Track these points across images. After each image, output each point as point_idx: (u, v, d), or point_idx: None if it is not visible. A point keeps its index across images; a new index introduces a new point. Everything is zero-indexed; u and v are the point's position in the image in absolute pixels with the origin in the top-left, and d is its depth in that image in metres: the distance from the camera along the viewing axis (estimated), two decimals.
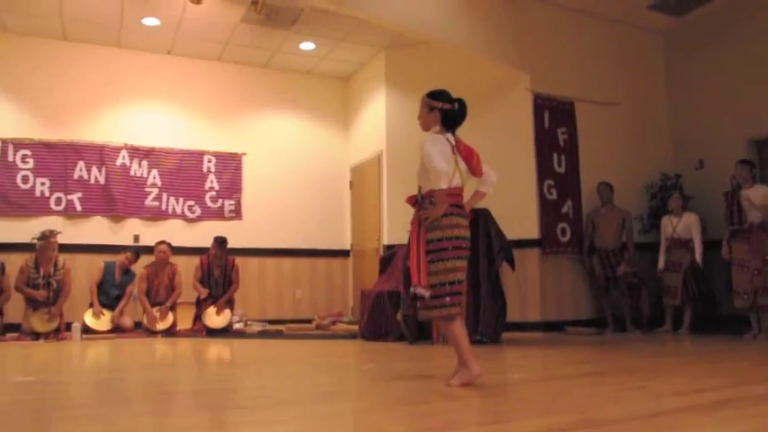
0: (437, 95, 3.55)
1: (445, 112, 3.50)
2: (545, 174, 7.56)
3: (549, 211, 7.50)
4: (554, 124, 7.69)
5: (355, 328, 7.49)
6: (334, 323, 8.44)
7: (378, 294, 6.57)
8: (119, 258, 7.59)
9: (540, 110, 7.63)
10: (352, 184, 9.54)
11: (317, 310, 9.10)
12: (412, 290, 3.36)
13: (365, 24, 7.71)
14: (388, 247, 7.97)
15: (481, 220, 6.06)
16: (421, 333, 6.11)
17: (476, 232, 6.06)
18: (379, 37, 8.36)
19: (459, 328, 3.38)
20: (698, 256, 6.91)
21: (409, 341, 6.06)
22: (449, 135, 3.50)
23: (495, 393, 3.21)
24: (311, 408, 2.86)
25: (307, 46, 8.74)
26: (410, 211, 3.56)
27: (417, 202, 3.51)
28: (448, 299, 3.34)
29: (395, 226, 8.07)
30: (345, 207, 9.61)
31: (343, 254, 9.50)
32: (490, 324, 5.90)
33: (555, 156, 7.65)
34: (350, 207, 9.55)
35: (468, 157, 3.50)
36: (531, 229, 7.39)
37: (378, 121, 8.78)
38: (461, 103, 3.54)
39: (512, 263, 6.20)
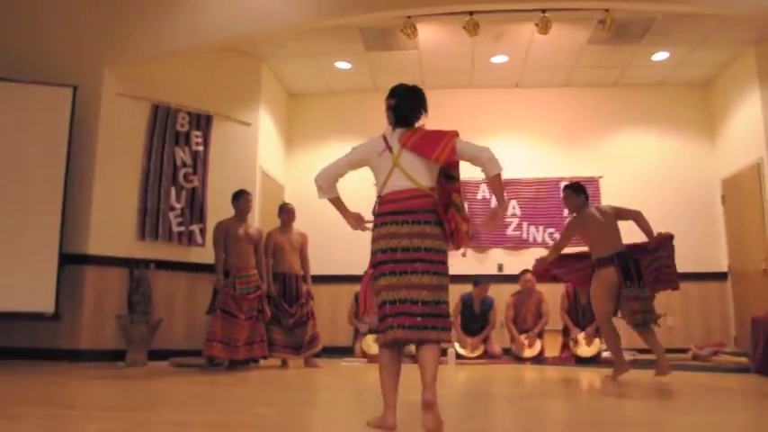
0: (390, 93, 3.24)
1: (393, 108, 3.19)
2: None
3: None
4: None
5: (742, 360, 6.67)
6: (714, 354, 7.61)
7: None
8: (474, 290, 7.89)
9: None
10: (724, 199, 8.58)
11: (692, 339, 8.30)
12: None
13: (728, 20, 6.96)
14: None
15: None
16: None
17: None
18: (745, 31, 7.44)
19: (383, 361, 2.86)
20: None
21: None
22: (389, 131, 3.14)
23: None
24: None
25: (659, 56, 8.21)
26: None
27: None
28: (381, 324, 2.88)
29: None
30: (717, 224, 8.66)
31: (719, 276, 8.55)
32: None
33: None
34: (723, 224, 8.59)
35: (414, 144, 3.01)
36: None
37: (753, 124, 7.77)
38: (400, 94, 3.19)
39: None
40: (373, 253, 2.99)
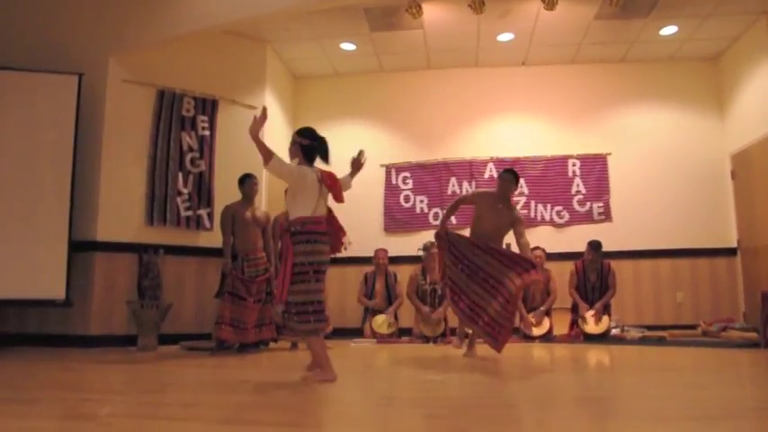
0: (301, 132, 4.08)
1: (304, 147, 4.03)
2: None
3: None
4: None
5: (751, 335, 6.67)
6: (723, 329, 7.60)
7: None
8: None
9: None
10: (734, 174, 8.51)
11: (701, 314, 8.28)
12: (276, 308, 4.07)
13: None
14: None
15: None
16: None
17: None
18: (756, 1, 7.33)
19: (318, 342, 3.91)
20: None
21: None
22: (313, 167, 4.01)
23: None
24: (713, 424, 2.54)
25: (668, 30, 8.11)
26: None
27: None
28: (312, 317, 3.82)
29: None
30: (727, 200, 8.60)
31: (729, 252, 8.51)
32: None
33: None
34: (733, 199, 8.53)
35: (332, 185, 3.97)
36: None
37: (763, 98, 7.68)
38: (314, 137, 4.04)
39: None
40: (309, 263, 3.81)
